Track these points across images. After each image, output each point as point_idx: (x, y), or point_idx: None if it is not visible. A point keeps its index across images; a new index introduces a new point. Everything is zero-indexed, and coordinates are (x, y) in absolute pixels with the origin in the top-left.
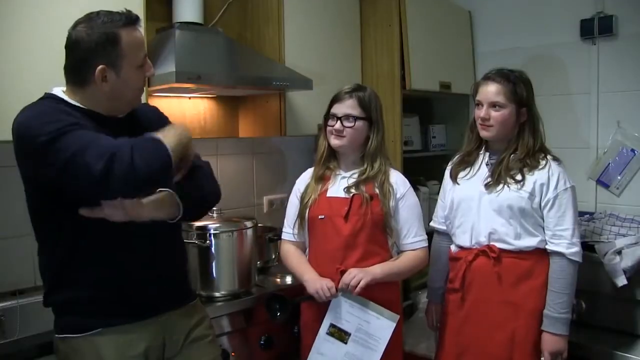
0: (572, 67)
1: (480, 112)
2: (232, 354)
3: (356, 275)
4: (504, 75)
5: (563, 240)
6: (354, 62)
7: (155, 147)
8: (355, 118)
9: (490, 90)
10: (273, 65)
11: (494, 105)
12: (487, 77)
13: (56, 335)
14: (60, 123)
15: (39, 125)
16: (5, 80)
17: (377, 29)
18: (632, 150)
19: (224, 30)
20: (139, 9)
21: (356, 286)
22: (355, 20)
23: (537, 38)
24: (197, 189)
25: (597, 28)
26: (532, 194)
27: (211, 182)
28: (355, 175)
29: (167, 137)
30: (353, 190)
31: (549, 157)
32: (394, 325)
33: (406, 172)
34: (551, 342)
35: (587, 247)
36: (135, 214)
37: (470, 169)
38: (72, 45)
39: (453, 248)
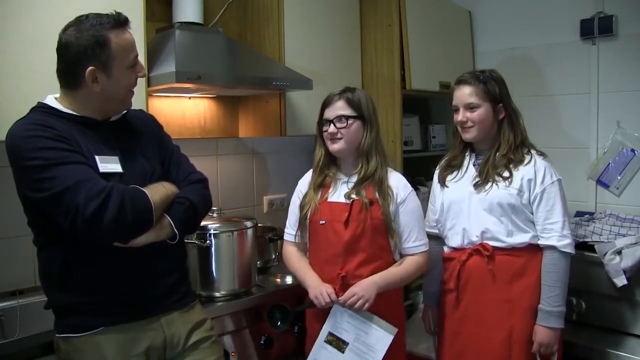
0: (572, 67)
1: (458, 116)
2: (232, 354)
3: (361, 298)
4: (474, 76)
5: (554, 233)
6: (354, 62)
7: (143, 198)
8: (347, 118)
9: (464, 93)
10: (273, 65)
11: (469, 106)
12: (459, 81)
13: (57, 335)
14: (52, 152)
15: (32, 149)
16: (4, 81)
17: (377, 29)
18: (632, 150)
19: (224, 30)
20: (139, 9)
21: (357, 303)
22: (355, 20)
23: (537, 38)
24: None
25: (597, 28)
26: (520, 190)
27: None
28: (355, 178)
29: (153, 192)
30: (353, 196)
31: (533, 151)
32: (392, 337)
33: (406, 172)
34: (543, 334)
35: (587, 247)
36: (134, 244)
37: (458, 172)
38: (63, 49)
39: (446, 249)
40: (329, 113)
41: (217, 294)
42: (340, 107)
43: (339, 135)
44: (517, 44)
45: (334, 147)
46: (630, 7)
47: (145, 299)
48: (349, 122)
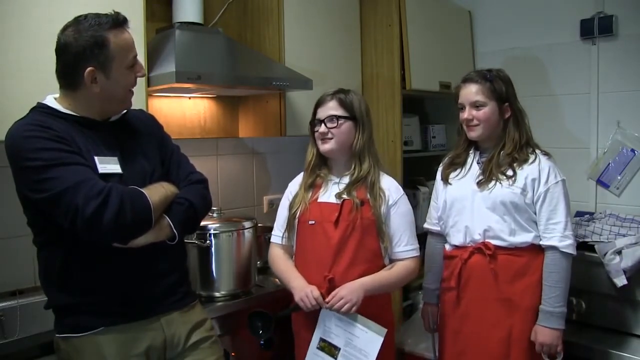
0: (572, 67)
1: (464, 114)
2: (232, 354)
3: (349, 302)
4: (481, 75)
5: (555, 233)
6: (354, 62)
7: (142, 199)
8: (338, 118)
9: (470, 91)
10: (273, 65)
11: (475, 105)
12: (465, 80)
13: (57, 335)
14: (52, 153)
15: (32, 150)
16: (5, 81)
17: (377, 29)
18: (632, 150)
19: (224, 30)
20: (139, 9)
21: (344, 306)
22: (355, 20)
23: (537, 38)
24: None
25: (597, 28)
26: (524, 190)
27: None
28: (346, 179)
29: (153, 193)
30: (344, 196)
31: (537, 151)
32: (382, 339)
33: (406, 172)
34: (544, 334)
35: (587, 247)
36: (133, 245)
37: (461, 169)
38: (61, 50)
39: (447, 247)
40: (321, 113)
41: (217, 294)
42: (332, 107)
43: (329, 135)
44: (517, 44)
45: (325, 147)
46: (630, 7)
47: (145, 299)
48: (339, 122)
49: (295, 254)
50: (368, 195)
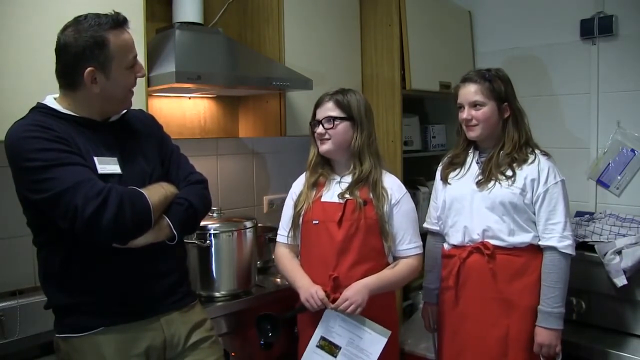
0: (572, 67)
1: (463, 114)
2: (232, 354)
3: (354, 303)
4: (480, 75)
5: (555, 234)
6: (354, 62)
7: (141, 199)
8: (334, 119)
9: (469, 91)
10: (273, 65)
11: (474, 104)
12: (465, 79)
13: (57, 335)
14: (51, 153)
15: (31, 150)
16: (5, 81)
17: (377, 29)
18: (632, 150)
19: (224, 30)
20: (139, 9)
21: (349, 308)
22: (355, 20)
23: (537, 38)
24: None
25: (597, 28)
26: (523, 190)
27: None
28: (349, 179)
29: (152, 193)
30: (347, 196)
31: (537, 151)
32: (386, 340)
33: (406, 172)
34: (543, 335)
35: (587, 247)
36: (133, 245)
37: (461, 169)
38: (61, 50)
39: (446, 246)
40: (319, 114)
41: (217, 294)
42: (329, 108)
43: (326, 136)
44: (517, 44)
45: (323, 147)
46: (630, 7)
47: (145, 299)
48: (335, 123)
49: (300, 253)
50: (371, 195)
